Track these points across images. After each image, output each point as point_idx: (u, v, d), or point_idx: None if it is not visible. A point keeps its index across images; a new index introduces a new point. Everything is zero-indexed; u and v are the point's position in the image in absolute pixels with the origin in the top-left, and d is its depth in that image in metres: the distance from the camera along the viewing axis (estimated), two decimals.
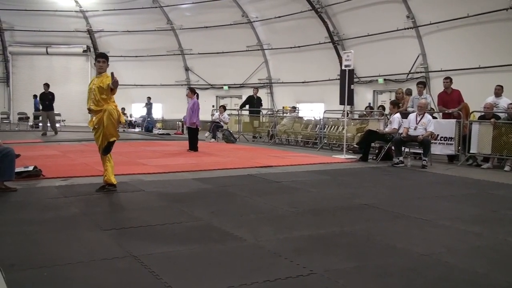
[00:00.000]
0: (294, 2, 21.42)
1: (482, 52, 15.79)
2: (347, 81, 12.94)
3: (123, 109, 28.15)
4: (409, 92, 14.07)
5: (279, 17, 22.48)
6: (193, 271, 3.75)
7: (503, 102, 12.15)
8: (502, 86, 12.32)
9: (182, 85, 27.33)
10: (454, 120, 12.18)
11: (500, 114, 11.92)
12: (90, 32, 28.44)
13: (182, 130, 22.91)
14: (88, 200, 6.55)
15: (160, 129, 25.30)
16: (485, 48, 15.78)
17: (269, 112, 21.20)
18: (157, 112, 27.57)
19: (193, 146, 13.85)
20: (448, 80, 12.99)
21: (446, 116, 12.82)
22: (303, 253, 4.28)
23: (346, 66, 13.07)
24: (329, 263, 4.00)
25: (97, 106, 7.05)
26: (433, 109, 13.90)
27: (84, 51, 28.79)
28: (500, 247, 4.65)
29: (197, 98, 14.61)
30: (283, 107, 21.73)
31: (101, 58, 7.19)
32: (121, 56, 27.33)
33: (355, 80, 16.33)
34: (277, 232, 5.01)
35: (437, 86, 14.56)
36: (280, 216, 5.81)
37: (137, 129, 26.01)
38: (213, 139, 18.67)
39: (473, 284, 3.60)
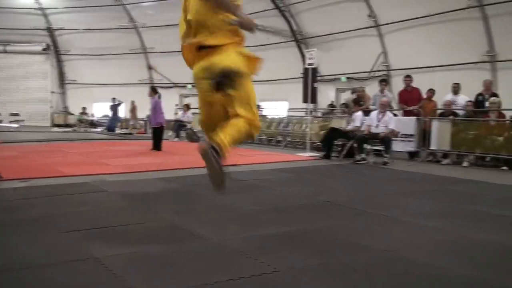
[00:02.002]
0: (257, 0, 21.43)
1: (442, 50, 16.14)
2: (311, 79, 13.04)
3: (84, 108, 27.77)
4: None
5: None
6: (156, 272, 3.72)
7: (461, 99, 12.46)
8: (459, 84, 12.63)
9: (145, 84, 27.05)
10: (414, 118, 12.42)
11: (458, 111, 12.23)
12: (50, 30, 27.85)
13: (145, 130, 22.70)
14: (49, 202, 6.41)
15: (123, 128, 25.00)
16: (445, 47, 16.13)
17: None
18: (121, 112, 27.26)
19: (157, 146, 13.73)
20: (408, 78, 13.24)
21: (407, 113, 13.06)
22: (268, 251, 4.28)
23: (309, 64, 13.17)
24: (293, 261, 4.01)
25: (214, 38, 4.14)
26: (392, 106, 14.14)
27: (43, 49, 28.18)
28: (461, 241, 4.75)
29: (159, 98, 14.48)
30: None
31: None
32: (83, 55, 26.92)
33: (318, 78, 16.46)
34: (241, 231, 5.00)
35: (398, 84, 14.83)
36: (245, 214, 5.81)
37: (99, 129, 25.63)
38: (176, 138, 18.54)
39: (435, 278, 3.67)
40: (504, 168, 10.75)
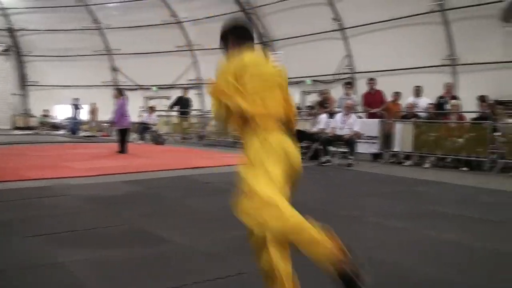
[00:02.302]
0: (224, 3, 21.43)
1: (405, 54, 16.43)
2: None
3: (46, 110, 27.24)
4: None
5: (209, 17, 22.41)
6: (121, 276, 3.69)
7: (423, 102, 12.73)
8: (420, 87, 12.92)
9: (109, 86, 26.69)
10: (377, 120, 12.62)
11: (421, 114, 12.50)
12: (11, 31, 27.22)
13: (110, 132, 22.40)
14: (11, 207, 6.27)
15: (86, 131, 24.59)
16: (408, 50, 16.42)
17: (199, 113, 21.11)
18: (84, 114, 26.81)
19: (122, 148, 13.57)
20: (372, 81, 13.46)
21: (370, 115, 13.26)
22: (235, 253, 4.30)
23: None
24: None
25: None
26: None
27: (4, 50, 27.50)
28: (425, 241, 4.86)
29: (125, 99, 14.31)
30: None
31: None
32: (45, 56, 26.37)
33: None
34: (208, 233, 5.01)
35: (363, 86, 15.04)
36: (211, 217, 5.81)
37: (61, 131, 25.17)
38: (141, 141, 18.38)
39: (401, 278, 3.74)
40: (464, 169, 11.02)
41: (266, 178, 2.90)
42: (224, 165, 11.03)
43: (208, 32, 23.01)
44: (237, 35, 3.48)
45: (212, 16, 22.06)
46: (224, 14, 21.53)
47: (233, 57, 3.26)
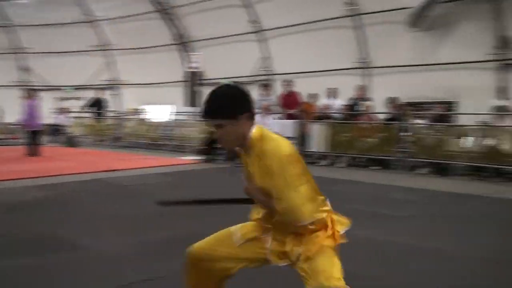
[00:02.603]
0: (140, 2, 21.04)
1: (321, 56, 16.85)
2: (194, 83, 13.05)
3: None
4: None
5: (125, 17, 21.93)
6: (33, 285, 3.53)
7: (337, 103, 13.14)
8: (334, 88, 13.32)
9: (17, 86, 25.41)
10: (294, 120, 12.88)
11: (334, 115, 12.88)
12: None
13: (19, 135, 21.33)
14: None
15: None
16: (323, 53, 16.85)
17: (115, 114, 20.61)
18: None
19: (34, 151, 12.97)
20: (288, 83, 13.72)
21: (287, 116, 13.51)
22: (152, 257, 4.23)
23: (193, 68, 13.18)
24: (177, 265, 3.99)
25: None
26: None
27: None
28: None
29: (35, 100, 13.69)
30: (129, 109, 21.26)
31: None
32: None
33: (202, 81, 16.51)
34: (124, 237, 4.89)
35: (280, 88, 15.27)
36: (127, 220, 5.69)
37: None
38: (53, 143, 17.67)
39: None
40: (376, 168, 11.48)
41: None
42: (142, 167, 10.84)
43: (124, 32, 22.58)
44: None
45: (129, 16, 21.63)
46: (141, 13, 21.25)
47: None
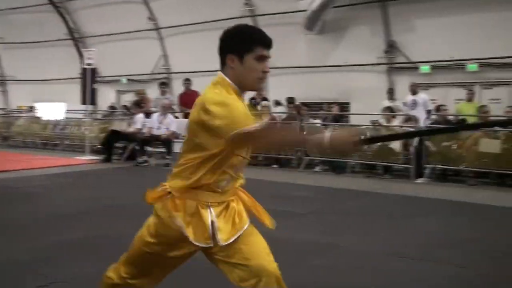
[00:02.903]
0: None
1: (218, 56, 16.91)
2: (89, 80, 12.60)
3: None
4: None
5: (14, 8, 20.66)
6: None
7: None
8: None
9: None
10: None
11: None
12: None
13: None
14: None
15: None
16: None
17: (2, 112, 19.41)
18: None
19: None
20: (188, 82, 13.64)
21: (187, 115, 13.42)
22: (49, 262, 4.04)
23: (88, 64, 12.72)
24: (76, 270, 3.84)
25: None
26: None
27: None
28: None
29: None
30: (18, 107, 20.12)
31: None
32: None
33: (98, 79, 15.95)
34: (15, 243, 4.62)
35: (179, 87, 15.13)
36: (20, 225, 5.37)
37: None
38: None
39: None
40: (275, 166, 11.71)
41: None
42: (32, 168, 10.30)
43: (14, 24, 21.27)
44: None
45: (18, 8, 20.43)
46: (29, 6, 20.15)
47: None
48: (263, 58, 2.35)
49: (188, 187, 2.32)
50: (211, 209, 2.31)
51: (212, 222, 2.28)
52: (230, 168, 2.35)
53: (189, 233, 2.27)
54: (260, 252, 2.36)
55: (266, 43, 2.41)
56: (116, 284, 2.56)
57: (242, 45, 2.37)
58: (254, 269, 2.26)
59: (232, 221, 2.35)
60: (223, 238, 2.27)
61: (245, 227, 2.39)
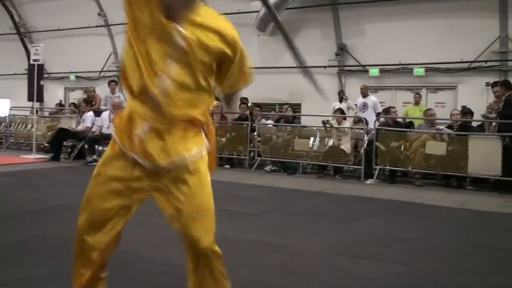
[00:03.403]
0: None
1: None
2: (36, 76, 12.26)
3: None
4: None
5: None
6: None
7: None
8: None
9: None
10: None
11: None
12: None
13: None
14: None
15: None
16: None
17: None
18: None
19: None
20: None
21: None
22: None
23: (34, 60, 12.37)
24: (21, 272, 3.73)
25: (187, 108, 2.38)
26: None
27: None
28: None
29: None
30: None
31: None
32: None
33: (45, 76, 15.54)
34: None
35: None
36: None
37: None
38: None
39: (175, 274, 3.80)
40: (227, 166, 11.70)
41: None
42: None
43: None
44: None
45: None
46: None
47: None
48: None
49: None
50: None
51: None
52: None
53: None
54: None
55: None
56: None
57: None
58: None
59: None
60: None
61: None
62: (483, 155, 9.04)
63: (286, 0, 13.47)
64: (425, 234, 5.52)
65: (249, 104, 12.80)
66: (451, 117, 10.73)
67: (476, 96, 12.35)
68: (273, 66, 14.76)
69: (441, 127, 10.07)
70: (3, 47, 20.12)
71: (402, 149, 10.00)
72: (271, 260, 4.35)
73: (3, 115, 15.45)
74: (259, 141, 11.70)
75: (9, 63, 19.84)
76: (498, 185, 9.03)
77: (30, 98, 12.51)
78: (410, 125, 11.27)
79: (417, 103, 12.20)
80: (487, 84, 11.90)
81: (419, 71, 13.13)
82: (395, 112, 11.16)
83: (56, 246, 4.51)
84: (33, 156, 12.05)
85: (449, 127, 10.35)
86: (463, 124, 10.21)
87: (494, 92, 10.24)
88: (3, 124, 15.23)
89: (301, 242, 5.00)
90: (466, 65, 12.68)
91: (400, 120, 11.05)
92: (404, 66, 13.38)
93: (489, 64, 12.46)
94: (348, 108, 12.60)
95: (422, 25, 12.96)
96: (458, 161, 9.21)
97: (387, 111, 11.18)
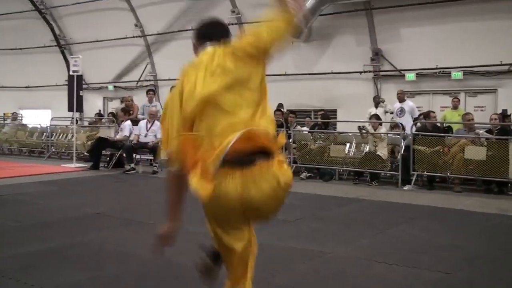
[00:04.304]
0: (15, 0, 19.87)
1: None
2: (76, 87, 12.55)
3: None
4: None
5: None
6: None
7: None
8: None
9: None
10: None
11: None
12: None
13: None
14: None
15: None
16: None
17: None
18: None
19: None
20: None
21: None
22: (31, 270, 4.00)
23: (74, 71, 12.67)
24: (60, 278, 3.82)
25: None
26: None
27: None
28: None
29: None
30: (4, 114, 19.95)
31: None
32: None
33: (84, 86, 15.89)
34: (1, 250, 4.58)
35: (166, 94, 15.10)
36: (3, 232, 5.33)
37: None
38: None
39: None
40: None
41: None
42: (18, 176, 10.23)
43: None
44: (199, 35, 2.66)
45: (2, 14, 20.27)
46: (15, 12, 20.03)
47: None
48: None
49: None
50: None
51: None
52: None
53: None
54: None
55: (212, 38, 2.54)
56: None
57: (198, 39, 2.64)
58: None
59: None
60: None
61: None
62: None
63: (320, 6, 13.42)
64: (464, 241, 5.40)
65: (284, 111, 12.80)
66: (490, 121, 10.48)
67: None
68: (308, 73, 14.73)
69: (480, 131, 9.84)
70: (44, 59, 20.66)
71: (440, 154, 9.81)
72: (307, 267, 4.34)
73: (45, 126, 15.84)
74: (294, 148, 11.67)
75: (50, 74, 20.35)
76: None
77: (70, 109, 12.80)
78: (448, 129, 11.04)
79: (455, 107, 11.95)
80: None
81: (457, 74, 12.87)
82: (434, 116, 10.96)
83: (94, 253, 4.60)
84: (73, 165, 12.31)
85: (489, 131, 10.09)
86: (503, 128, 9.95)
87: None
88: (44, 134, 15.61)
89: (336, 249, 4.96)
90: (506, 67, 12.36)
91: (438, 124, 10.85)
92: (442, 70, 13.15)
93: None
94: (386, 112, 12.45)
95: (459, 28, 12.72)
96: (499, 166, 8.97)
97: (426, 115, 10.99)
